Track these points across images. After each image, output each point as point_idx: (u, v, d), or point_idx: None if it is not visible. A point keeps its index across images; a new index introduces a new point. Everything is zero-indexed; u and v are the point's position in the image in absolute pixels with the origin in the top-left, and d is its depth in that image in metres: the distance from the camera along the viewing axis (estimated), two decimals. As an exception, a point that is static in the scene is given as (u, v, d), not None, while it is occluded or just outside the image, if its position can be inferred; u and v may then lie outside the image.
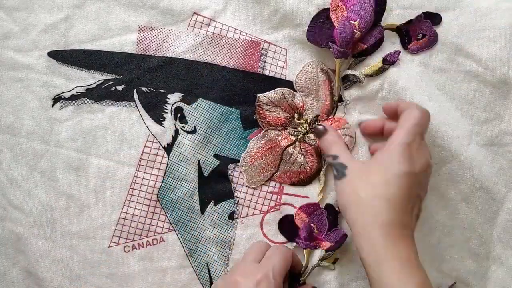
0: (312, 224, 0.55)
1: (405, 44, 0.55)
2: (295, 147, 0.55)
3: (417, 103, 0.48)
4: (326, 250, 0.54)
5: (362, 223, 0.43)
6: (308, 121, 0.55)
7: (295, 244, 0.55)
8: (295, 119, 0.55)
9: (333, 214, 0.55)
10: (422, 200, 0.47)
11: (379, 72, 0.54)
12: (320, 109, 0.55)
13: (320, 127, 0.52)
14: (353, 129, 0.55)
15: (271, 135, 0.55)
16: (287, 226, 0.55)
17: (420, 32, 0.55)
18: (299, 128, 0.55)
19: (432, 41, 0.55)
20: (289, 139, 0.55)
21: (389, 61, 0.54)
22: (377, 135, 0.53)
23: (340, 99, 0.55)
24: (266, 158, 0.55)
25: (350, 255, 0.55)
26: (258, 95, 0.54)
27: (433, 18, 0.55)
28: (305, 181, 0.55)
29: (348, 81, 0.55)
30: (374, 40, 0.54)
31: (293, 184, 0.55)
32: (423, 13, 0.55)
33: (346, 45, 0.53)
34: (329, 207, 0.55)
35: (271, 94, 0.54)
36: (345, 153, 0.49)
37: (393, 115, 0.50)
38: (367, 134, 0.54)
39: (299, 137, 0.55)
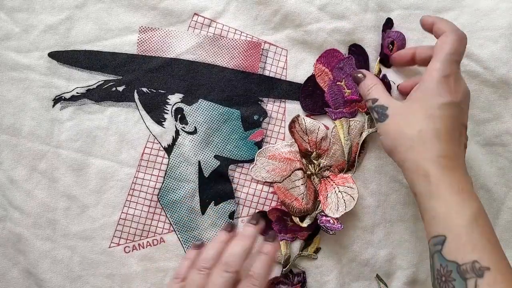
0: (284, 217, 0.55)
1: (387, 64, 0.55)
2: (304, 176, 0.54)
3: (453, 24, 0.46)
4: (305, 240, 0.54)
5: (413, 159, 0.43)
6: (320, 166, 0.54)
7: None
8: (312, 157, 0.54)
9: None
10: (466, 127, 0.46)
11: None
12: (336, 163, 0.54)
13: (359, 74, 0.50)
14: (356, 191, 0.53)
15: (296, 149, 0.55)
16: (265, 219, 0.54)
17: (387, 43, 0.54)
18: (310, 166, 0.54)
19: (401, 40, 0.54)
20: (302, 165, 0.54)
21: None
22: (409, 64, 0.52)
23: (352, 158, 0.54)
24: (281, 164, 0.54)
25: (351, 254, 0.55)
26: (299, 115, 0.54)
27: (386, 25, 0.54)
28: (294, 210, 0.54)
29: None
30: None
31: (283, 204, 0.54)
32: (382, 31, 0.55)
33: (340, 106, 0.54)
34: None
35: (309, 121, 0.54)
36: (385, 95, 0.48)
37: (429, 29, 0.48)
38: (399, 64, 0.53)
39: (306, 172, 0.54)
